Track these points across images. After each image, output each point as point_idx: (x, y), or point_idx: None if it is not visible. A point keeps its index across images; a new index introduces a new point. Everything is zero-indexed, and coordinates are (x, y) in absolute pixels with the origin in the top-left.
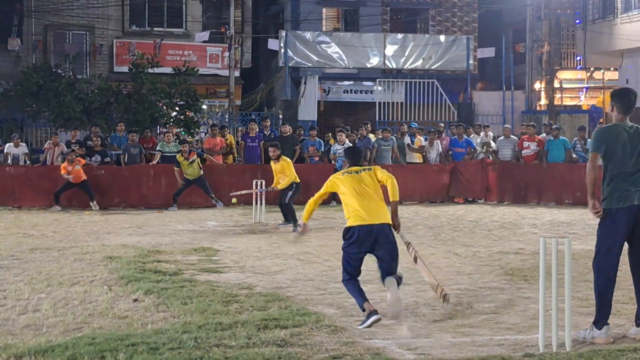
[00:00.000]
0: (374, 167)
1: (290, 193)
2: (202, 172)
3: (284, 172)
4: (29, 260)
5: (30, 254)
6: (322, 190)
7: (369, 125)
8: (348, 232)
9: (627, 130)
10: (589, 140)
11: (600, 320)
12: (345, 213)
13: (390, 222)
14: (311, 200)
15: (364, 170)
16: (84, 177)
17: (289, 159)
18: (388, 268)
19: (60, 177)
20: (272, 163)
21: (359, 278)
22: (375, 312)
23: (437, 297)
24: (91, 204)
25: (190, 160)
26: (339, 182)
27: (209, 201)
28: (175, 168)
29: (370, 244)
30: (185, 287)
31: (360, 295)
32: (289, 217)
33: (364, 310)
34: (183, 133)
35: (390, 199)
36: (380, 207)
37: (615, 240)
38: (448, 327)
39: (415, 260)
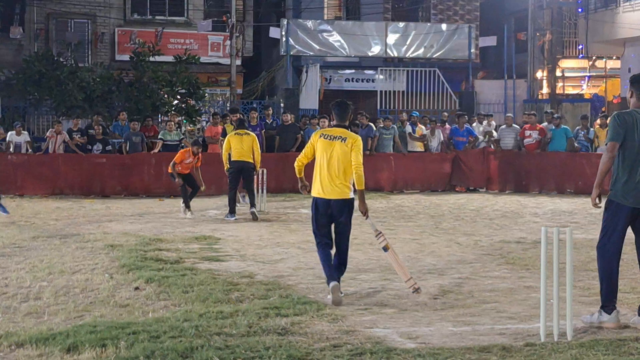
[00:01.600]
0: (355, 140)
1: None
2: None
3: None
4: (31, 248)
5: (32, 242)
6: (302, 152)
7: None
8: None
9: None
10: (592, 129)
11: (609, 304)
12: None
13: (349, 197)
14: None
15: (341, 138)
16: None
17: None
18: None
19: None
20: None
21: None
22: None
23: (407, 287)
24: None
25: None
26: (314, 142)
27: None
28: (220, 138)
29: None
30: (187, 276)
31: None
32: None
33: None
34: (185, 121)
35: (357, 188)
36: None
37: (617, 224)
38: (449, 316)
39: (385, 249)
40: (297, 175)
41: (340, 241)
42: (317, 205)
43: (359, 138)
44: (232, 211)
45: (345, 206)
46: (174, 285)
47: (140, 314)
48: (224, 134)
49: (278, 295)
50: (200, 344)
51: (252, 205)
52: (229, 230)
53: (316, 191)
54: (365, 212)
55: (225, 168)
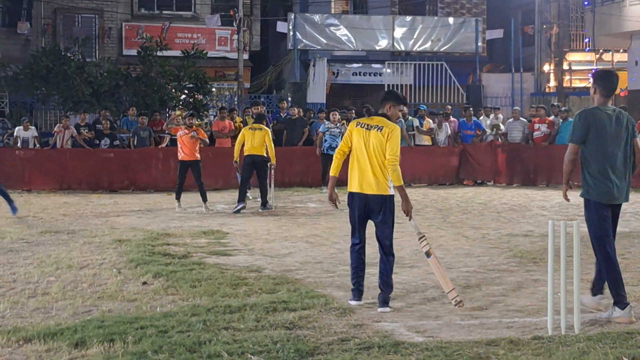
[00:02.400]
0: (392, 130)
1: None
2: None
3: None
4: (39, 244)
5: (40, 237)
6: (341, 142)
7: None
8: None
9: (609, 114)
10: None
11: (621, 300)
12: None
13: (388, 193)
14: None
15: (377, 127)
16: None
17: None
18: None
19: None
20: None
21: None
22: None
23: (450, 300)
24: (204, 206)
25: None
26: (351, 131)
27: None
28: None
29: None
30: (194, 270)
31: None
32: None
33: None
34: None
35: (394, 184)
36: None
37: (602, 219)
38: (456, 309)
39: (427, 255)
40: (331, 174)
41: (380, 245)
42: (352, 201)
43: (397, 127)
44: (241, 199)
45: (384, 203)
46: (182, 280)
47: (148, 308)
48: (246, 124)
49: (286, 290)
50: (208, 338)
51: (263, 204)
52: (237, 225)
53: (352, 185)
54: (408, 211)
55: (234, 160)
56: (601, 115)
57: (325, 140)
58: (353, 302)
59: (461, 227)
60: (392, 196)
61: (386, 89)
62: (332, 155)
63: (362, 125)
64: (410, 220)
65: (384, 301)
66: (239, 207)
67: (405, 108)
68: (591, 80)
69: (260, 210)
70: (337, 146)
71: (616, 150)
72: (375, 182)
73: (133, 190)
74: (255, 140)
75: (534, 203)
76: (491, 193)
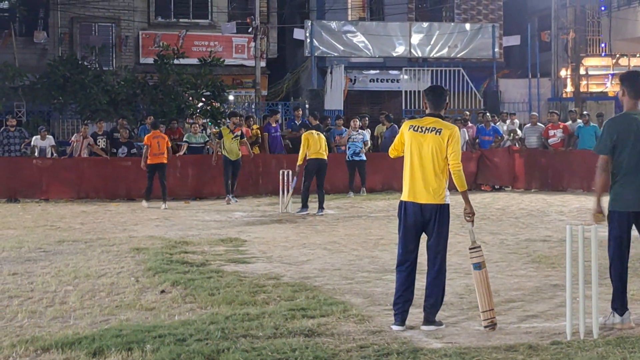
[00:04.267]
0: (452, 131)
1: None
2: (240, 154)
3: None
4: (56, 253)
5: (58, 246)
6: (392, 145)
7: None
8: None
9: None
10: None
11: (620, 306)
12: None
13: (444, 202)
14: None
15: (434, 130)
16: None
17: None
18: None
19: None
20: (311, 134)
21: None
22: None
23: (480, 319)
24: (163, 205)
25: (235, 134)
26: (403, 132)
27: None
28: (212, 142)
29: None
30: (213, 278)
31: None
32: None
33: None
34: (210, 124)
35: (459, 189)
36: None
37: (623, 232)
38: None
39: (477, 267)
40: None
41: (432, 258)
42: (405, 210)
43: (456, 128)
44: (304, 205)
45: (440, 212)
46: (200, 288)
47: (166, 317)
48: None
49: (304, 297)
50: (226, 346)
51: (320, 207)
52: (255, 232)
53: (405, 193)
54: (470, 214)
55: (298, 164)
56: (631, 121)
57: (349, 148)
58: (395, 328)
59: (479, 232)
60: (448, 205)
61: (426, 90)
62: (356, 161)
63: (416, 129)
64: (470, 224)
65: (426, 320)
66: (303, 212)
67: None
68: (619, 82)
69: (319, 213)
70: (359, 152)
71: None
72: (434, 189)
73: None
74: (321, 143)
75: (552, 208)
76: (509, 198)
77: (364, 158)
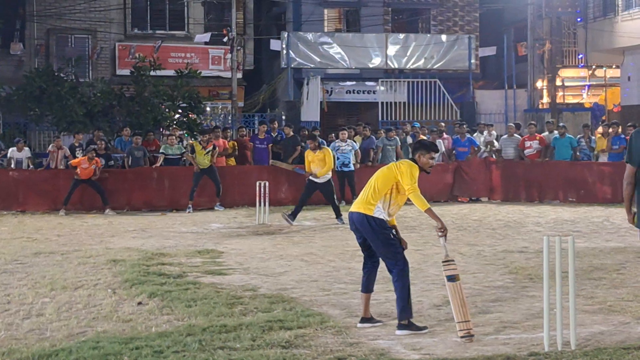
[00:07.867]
0: (408, 166)
1: (332, 189)
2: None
3: (325, 160)
4: (33, 265)
5: (34, 258)
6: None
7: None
8: None
9: None
10: (593, 138)
11: None
12: None
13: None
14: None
15: (397, 164)
16: (95, 177)
17: (329, 148)
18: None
19: (67, 180)
20: (309, 153)
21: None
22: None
23: (456, 329)
24: (106, 210)
25: (207, 150)
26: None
27: (213, 202)
28: (189, 154)
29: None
30: (190, 290)
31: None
32: (339, 212)
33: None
34: (186, 135)
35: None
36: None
37: None
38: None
39: (451, 279)
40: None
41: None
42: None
43: (407, 163)
44: (294, 215)
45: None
46: (177, 300)
47: (144, 328)
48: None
49: (282, 308)
50: (204, 358)
51: (338, 216)
52: (232, 244)
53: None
54: (441, 229)
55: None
56: None
57: (338, 158)
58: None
59: (456, 244)
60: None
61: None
62: (345, 172)
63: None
64: (444, 240)
65: (398, 324)
66: (287, 219)
67: (435, 155)
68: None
69: (339, 222)
70: (349, 163)
71: None
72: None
73: (127, 210)
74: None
75: (528, 219)
76: (486, 210)
77: (352, 168)
